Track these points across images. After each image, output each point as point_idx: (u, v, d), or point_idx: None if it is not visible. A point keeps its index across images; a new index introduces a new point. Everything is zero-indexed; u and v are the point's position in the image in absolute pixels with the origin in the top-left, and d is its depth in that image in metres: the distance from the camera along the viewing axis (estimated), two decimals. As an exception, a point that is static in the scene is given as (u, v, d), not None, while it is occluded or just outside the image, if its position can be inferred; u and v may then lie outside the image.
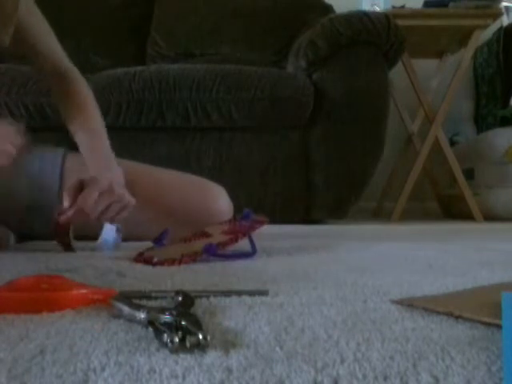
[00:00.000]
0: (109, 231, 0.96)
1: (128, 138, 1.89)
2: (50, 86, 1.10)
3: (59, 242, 0.98)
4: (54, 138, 1.13)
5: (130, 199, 0.94)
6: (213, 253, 0.83)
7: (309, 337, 0.39)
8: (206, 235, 0.92)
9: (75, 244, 0.97)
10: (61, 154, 1.11)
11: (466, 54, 2.37)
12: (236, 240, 0.88)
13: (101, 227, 0.98)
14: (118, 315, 0.45)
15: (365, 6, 2.40)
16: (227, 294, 0.54)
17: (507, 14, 2.67)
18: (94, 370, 0.32)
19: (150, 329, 0.40)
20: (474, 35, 2.33)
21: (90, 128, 1.02)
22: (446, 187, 2.75)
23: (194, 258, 0.82)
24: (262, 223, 0.95)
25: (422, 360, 0.34)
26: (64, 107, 1.04)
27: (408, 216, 2.51)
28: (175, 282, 0.63)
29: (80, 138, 0.99)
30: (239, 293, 0.54)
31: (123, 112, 1.92)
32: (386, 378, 0.31)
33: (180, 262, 0.79)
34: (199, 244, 0.86)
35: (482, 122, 2.90)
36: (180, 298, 0.49)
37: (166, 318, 0.40)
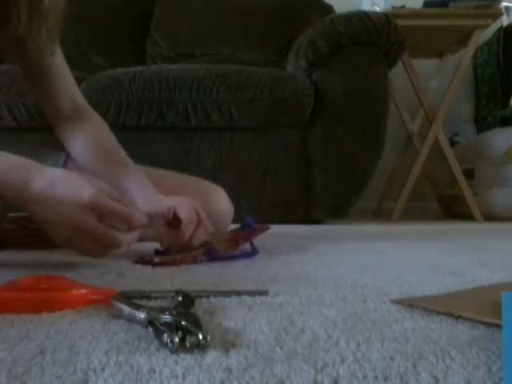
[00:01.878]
0: None
1: (128, 137, 1.87)
2: (63, 130, 1.03)
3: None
4: (54, 139, 1.13)
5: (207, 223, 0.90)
6: (213, 255, 0.84)
7: (309, 337, 0.39)
8: (207, 244, 0.91)
9: None
10: (62, 158, 1.11)
11: (466, 54, 2.37)
12: (237, 245, 0.88)
13: None
14: (118, 315, 0.45)
15: (365, 6, 2.40)
16: (227, 294, 0.54)
17: (507, 13, 2.67)
18: (94, 370, 0.32)
19: (150, 329, 0.40)
20: (474, 35, 2.33)
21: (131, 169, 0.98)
22: (445, 187, 2.75)
23: (194, 259, 0.82)
24: (263, 230, 0.97)
25: (422, 360, 0.34)
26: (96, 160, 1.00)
27: (408, 216, 2.51)
28: (175, 282, 0.63)
29: (128, 184, 0.95)
30: (239, 293, 0.54)
31: (123, 112, 1.92)
32: (386, 378, 0.31)
33: (180, 263, 0.79)
34: (200, 251, 0.86)
35: (482, 122, 2.90)
36: (180, 298, 0.49)
37: (166, 318, 0.40)
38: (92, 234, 0.71)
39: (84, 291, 0.51)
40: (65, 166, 1.10)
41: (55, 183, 0.72)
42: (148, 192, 0.94)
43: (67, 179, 0.73)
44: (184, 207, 0.88)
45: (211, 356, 0.34)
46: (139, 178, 0.96)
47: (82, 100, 1.06)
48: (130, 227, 0.73)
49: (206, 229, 0.88)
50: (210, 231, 0.90)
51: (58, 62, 1.00)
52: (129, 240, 0.73)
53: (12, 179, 0.72)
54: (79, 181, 0.73)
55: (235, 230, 0.98)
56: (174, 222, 0.86)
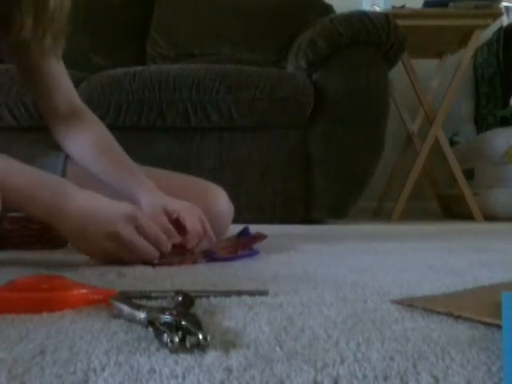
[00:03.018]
0: None
1: (128, 137, 1.88)
2: (59, 128, 1.03)
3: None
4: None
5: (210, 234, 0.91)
6: (213, 257, 0.84)
7: (309, 337, 0.39)
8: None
9: None
10: (62, 158, 1.10)
11: (466, 54, 2.37)
12: (235, 252, 0.88)
13: None
14: (118, 315, 0.45)
15: (365, 6, 2.40)
16: (227, 293, 0.54)
17: (507, 14, 2.67)
18: (94, 370, 0.32)
19: (150, 329, 0.40)
20: (474, 35, 2.33)
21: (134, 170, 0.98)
22: (445, 187, 2.75)
23: (194, 260, 0.82)
24: (261, 239, 0.97)
25: (422, 360, 0.34)
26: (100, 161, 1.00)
27: (408, 216, 2.51)
28: (175, 282, 0.63)
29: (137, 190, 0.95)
30: (239, 293, 0.54)
31: (123, 112, 1.92)
32: (386, 378, 0.31)
33: (181, 263, 0.80)
34: (200, 253, 0.87)
35: (482, 122, 2.90)
36: (180, 298, 0.49)
37: (166, 318, 0.40)
38: (128, 244, 0.75)
39: (84, 291, 0.51)
40: (65, 165, 1.10)
41: (95, 198, 0.77)
42: (153, 193, 0.95)
43: (104, 198, 0.78)
44: (190, 216, 0.88)
45: (211, 356, 0.34)
46: (142, 178, 0.97)
47: (79, 101, 1.06)
48: (158, 248, 0.79)
49: (210, 239, 0.89)
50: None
51: (56, 63, 1.00)
52: (156, 256, 0.79)
53: (48, 196, 0.74)
54: (116, 201, 0.78)
55: (233, 239, 0.98)
56: (177, 227, 0.86)
